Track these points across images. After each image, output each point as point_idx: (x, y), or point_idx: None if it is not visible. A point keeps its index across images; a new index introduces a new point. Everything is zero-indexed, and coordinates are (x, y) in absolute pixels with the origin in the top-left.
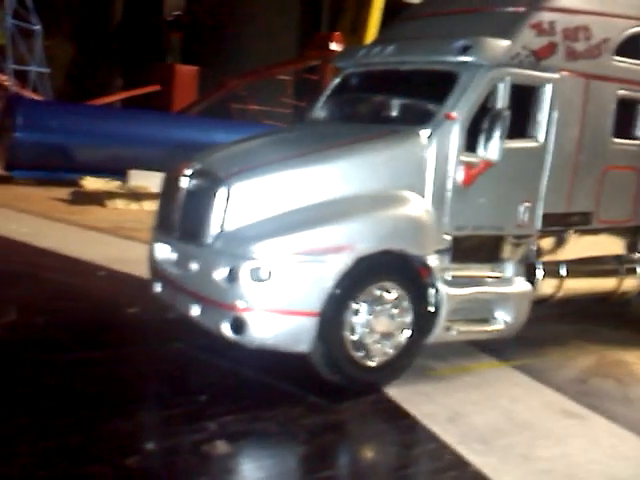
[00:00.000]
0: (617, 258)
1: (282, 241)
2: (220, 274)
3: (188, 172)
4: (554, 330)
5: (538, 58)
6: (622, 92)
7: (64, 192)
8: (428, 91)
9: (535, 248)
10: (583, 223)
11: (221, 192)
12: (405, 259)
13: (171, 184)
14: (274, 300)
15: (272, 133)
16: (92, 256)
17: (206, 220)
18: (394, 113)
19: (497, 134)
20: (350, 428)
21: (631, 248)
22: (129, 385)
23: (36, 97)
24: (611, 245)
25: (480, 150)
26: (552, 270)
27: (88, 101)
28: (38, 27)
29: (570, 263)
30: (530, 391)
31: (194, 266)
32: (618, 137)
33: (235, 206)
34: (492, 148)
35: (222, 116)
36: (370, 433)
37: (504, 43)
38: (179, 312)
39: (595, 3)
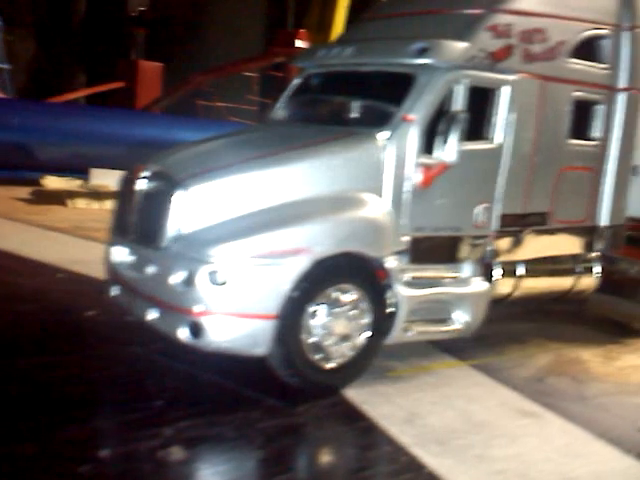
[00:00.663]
0: (574, 257)
1: (239, 244)
2: (177, 278)
3: (145, 174)
4: (514, 328)
5: (495, 60)
6: (577, 94)
7: (25, 191)
8: (386, 93)
9: (493, 248)
10: (540, 223)
11: (178, 195)
12: (363, 261)
13: (128, 186)
14: (231, 303)
15: (231, 134)
16: (51, 257)
17: (163, 223)
18: (353, 115)
19: (453, 136)
20: (307, 431)
21: (587, 248)
22: (86, 390)
23: None
24: (567, 245)
25: (437, 152)
26: (510, 270)
27: (51, 98)
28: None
29: (528, 263)
30: (487, 390)
31: (151, 270)
32: (573, 138)
33: (192, 209)
34: (448, 150)
35: (187, 113)
36: (327, 436)
37: (461, 45)
38: (136, 316)
39: (551, 6)
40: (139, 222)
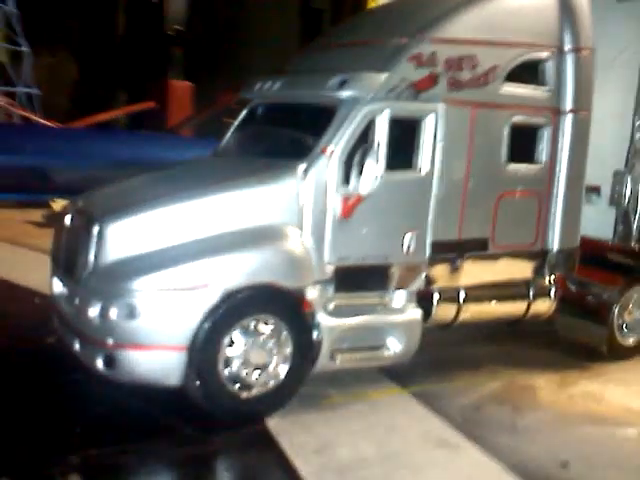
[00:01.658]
0: (525, 281)
1: (149, 278)
2: (93, 311)
3: (70, 210)
4: (471, 353)
5: (418, 90)
6: (516, 118)
7: (38, 214)
8: (310, 125)
9: (427, 275)
10: (479, 249)
11: (94, 230)
12: (280, 292)
13: (60, 221)
14: (141, 336)
15: (162, 171)
16: (34, 281)
17: (82, 257)
18: (281, 147)
19: (367, 168)
20: (213, 461)
21: (539, 271)
22: (12, 416)
23: (32, 117)
24: (515, 269)
25: (352, 184)
26: (449, 296)
27: (84, 119)
28: (26, 49)
29: (470, 288)
30: (414, 419)
31: (73, 302)
32: (514, 162)
33: (108, 244)
34: (363, 182)
35: (217, 132)
36: (230, 465)
37: (380, 76)
38: (67, 346)
39: (481, 32)
40: (65, 256)
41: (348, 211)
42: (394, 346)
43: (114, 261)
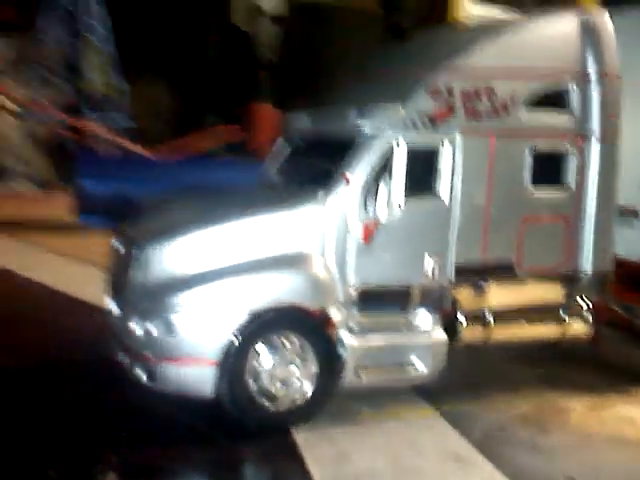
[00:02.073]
0: (557, 305)
1: (184, 298)
2: (134, 327)
3: (119, 236)
4: (511, 374)
5: (434, 121)
6: (539, 145)
7: None
8: (334, 155)
9: (452, 298)
10: (505, 272)
11: (135, 254)
12: (305, 313)
13: (111, 247)
14: (178, 351)
15: (201, 197)
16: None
17: (126, 279)
18: (309, 176)
19: (383, 195)
20: (237, 466)
21: (571, 294)
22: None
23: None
24: (545, 292)
25: (370, 210)
26: (477, 318)
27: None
28: (123, 83)
29: (498, 311)
30: (437, 437)
31: (122, 320)
32: (539, 188)
33: (147, 266)
34: (380, 209)
35: None
36: (252, 471)
37: (397, 108)
38: (120, 363)
39: (500, 63)
40: (115, 278)
41: (368, 236)
42: (419, 365)
43: (154, 282)
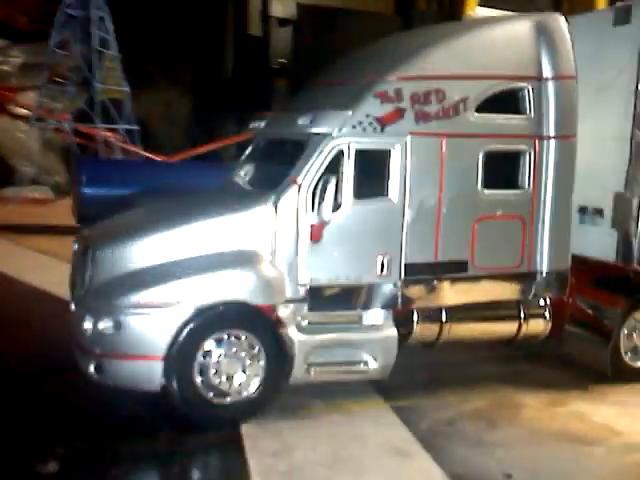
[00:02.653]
0: (514, 303)
1: (130, 297)
2: (85, 324)
3: (77, 238)
4: (472, 372)
5: (383, 124)
6: (491, 146)
7: None
8: (287, 159)
9: (404, 295)
10: (458, 270)
11: (89, 255)
12: (250, 309)
13: (72, 247)
14: (123, 346)
15: (161, 202)
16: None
17: (80, 278)
18: (264, 178)
19: (327, 196)
20: (178, 457)
21: (527, 293)
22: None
23: (136, 151)
24: (502, 291)
25: (319, 211)
26: (430, 316)
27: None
28: (127, 89)
29: (452, 308)
30: (382, 430)
31: (76, 318)
32: (491, 188)
33: (98, 267)
34: (324, 209)
35: None
36: (192, 462)
37: (345, 113)
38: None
39: (449, 67)
40: (72, 277)
41: (316, 235)
42: (370, 361)
43: (103, 281)
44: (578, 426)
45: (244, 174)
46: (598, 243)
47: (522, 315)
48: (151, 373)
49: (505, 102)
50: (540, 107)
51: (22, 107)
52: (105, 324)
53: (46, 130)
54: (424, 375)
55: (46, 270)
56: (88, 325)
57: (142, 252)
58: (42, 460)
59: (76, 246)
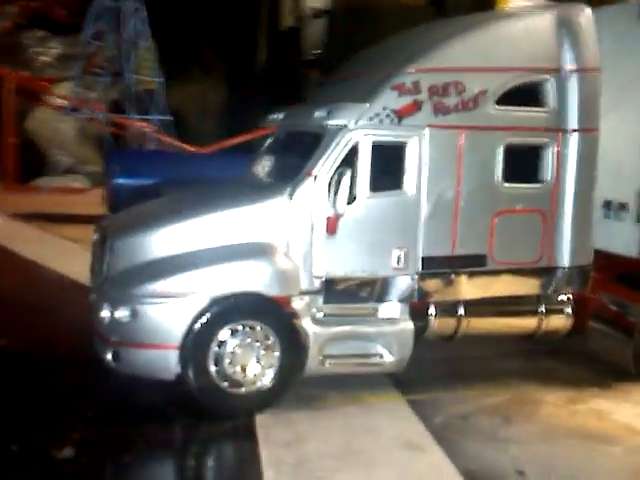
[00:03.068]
0: (534, 298)
1: (147, 286)
2: (103, 313)
3: (96, 229)
4: (495, 366)
5: (400, 116)
6: (512, 139)
7: None
8: (303, 151)
9: (420, 289)
10: (477, 264)
11: (107, 245)
12: (265, 300)
13: (93, 238)
14: (139, 335)
15: (181, 193)
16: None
17: (99, 267)
18: (281, 171)
19: (342, 189)
20: (192, 445)
21: (548, 288)
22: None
23: (170, 141)
24: (521, 285)
25: (335, 204)
26: (448, 309)
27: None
28: (161, 79)
29: (470, 303)
30: (396, 423)
31: (94, 305)
32: (511, 182)
33: (116, 257)
34: (338, 202)
35: None
36: (204, 451)
37: (362, 106)
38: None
39: (469, 59)
40: (92, 267)
41: (331, 227)
42: (385, 354)
43: (121, 271)
44: (597, 424)
45: (264, 166)
46: (622, 238)
47: (542, 310)
48: (166, 362)
49: (527, 95)
50: (562, 100)
51: (58, 97)
52: (122, 313)
53: (81, 120)
54: (444, 369)
55: (71, 257)
56: (106, 313)
57: (159, 242)
58: (58, 445)
59: (96, 236)
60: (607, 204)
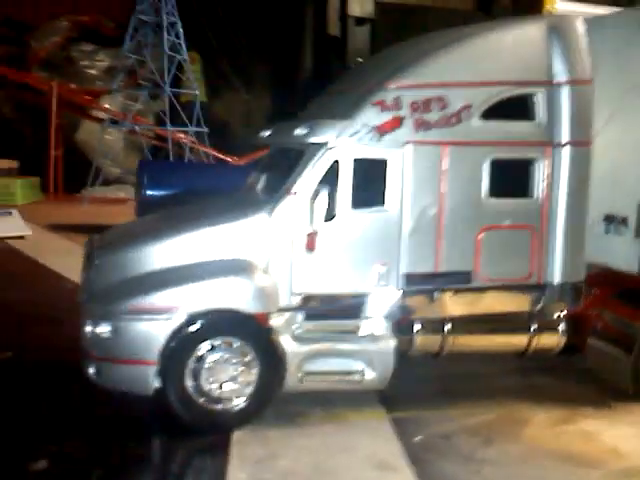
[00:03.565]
0: (524, 315)
1: (125, 303)
2: (86, 328)
3: (86, 244)
4: (488, 384)
5: (381, 133)
6: (498, 154)
7: None
8: (287, 168)
9: (403, 305)
10: (461, 281)
11: (91, 261)
12: (243, 317)
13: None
14: (119, 351)
15: (172, 209)
16: None
17: (84, 283)
18: (265, 187)
19: (318, 206)
20: (164, 460)
21: (537, 305)
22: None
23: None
24: (509, 302)
25: (315, 221)
26: (433, 326)
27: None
28: (197, 92)
29: (456, 320)
30: (373, 442)
31: (81, 321)
32: (498, 197)
33: (99, 273)
34: (315, 219)
35: None
36: (175, 465)
37: (341, 123)
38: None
39: (451, 75)
40: (82, 283)
41: (310, 244)
42: (366, 372)
43: (104, 287)
44: (582, 446)
45: (256, 181)
46: (623, 254)
47: (534, 328)
48: (145, 377)
49: (514, 108)
50: (553, 113)
51: (100, 110)
52: (103, 328)
53: (130, 132)
54: (434, 386)
55: None
56: (88, 329)
57: (140, 259)
58: (33, 458)
59: (84, 251)
60: (608, 218)
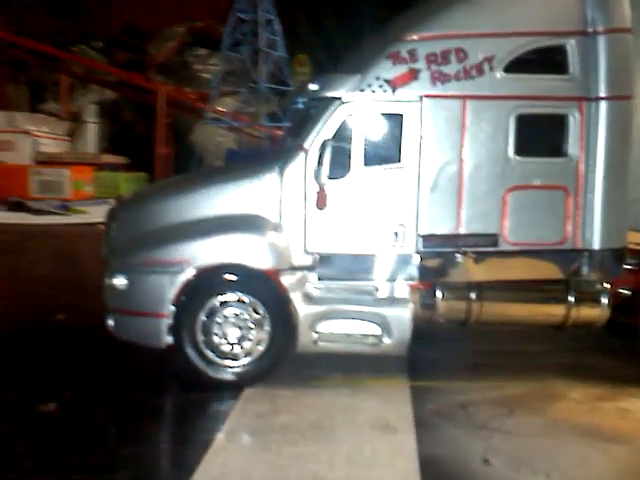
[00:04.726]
0: (560, 284)
1: (139, 256)
2: (106, 282)
3: (114, 201)
4: (529, 358)
5: (394, 86)
6: (525, 109)
7: None
8: (300, 125)
9: (421, 268)
10: (486, 244)
11: (111, 217)
12: (253, 273)
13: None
14: (132, 303)
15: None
16: None
17: (107, 238)
18: (281, 145)
19: (323, 162)
20: (171, 411)
21: (575, 274)
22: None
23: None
24: (541, 269)
25: (326, 177)
26: (457, 292)
27: None
28: (291, 89)
29: (485, 286)
30: (383, 406)
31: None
32: (526, 155)
33: (118, 228)
34: (321, 174)
35: None
36: (179, 416)
37: (352, 77)
38: None
39: (472, 25)
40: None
41: (321, 201)
42: (382, 336)
43: (123, 242)
44: (614, 422)
45: (285, 139)
46: None
47: (571, 298)
48: (157, 330)
49: (544, 60)
50: (587, 65)
51: (209, 110)
52: (119, 281)
53: (238, 132)
54: (469, 360)
55: None
56: (107, 281)
57: (156, 215)
58: (45, 401)
59: (110, 207)
60: None
